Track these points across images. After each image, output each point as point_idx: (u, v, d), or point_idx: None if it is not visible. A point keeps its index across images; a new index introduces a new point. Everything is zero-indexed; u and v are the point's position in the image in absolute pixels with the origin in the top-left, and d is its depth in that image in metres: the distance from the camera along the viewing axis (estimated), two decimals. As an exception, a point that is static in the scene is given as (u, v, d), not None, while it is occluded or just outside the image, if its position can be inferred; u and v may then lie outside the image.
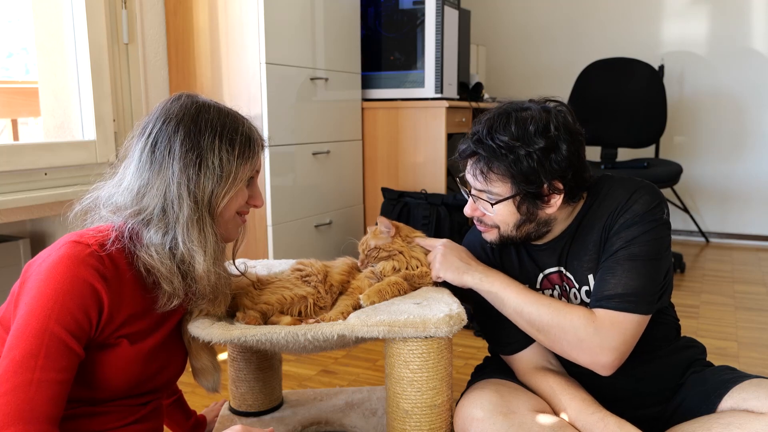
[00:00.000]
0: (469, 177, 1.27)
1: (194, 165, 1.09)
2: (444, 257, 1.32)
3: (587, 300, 1.28)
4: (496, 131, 1.20)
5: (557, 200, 1.23)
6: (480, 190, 1.25)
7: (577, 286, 1.30)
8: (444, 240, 1.36)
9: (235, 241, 1.27)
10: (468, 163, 1.27)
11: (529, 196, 1.21)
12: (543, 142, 1.18)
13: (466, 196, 1.32)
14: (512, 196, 1.22)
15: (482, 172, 1.22)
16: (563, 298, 1.32)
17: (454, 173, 3.16)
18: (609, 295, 1.18)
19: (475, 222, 1.33)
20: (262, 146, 1.19)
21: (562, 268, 1.32)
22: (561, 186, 1.21)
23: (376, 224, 1.44)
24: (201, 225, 1.09)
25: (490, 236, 1.31)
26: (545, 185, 1.20)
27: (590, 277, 1.28)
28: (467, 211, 1.30)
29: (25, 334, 0.95)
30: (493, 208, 1.24)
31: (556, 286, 1.33)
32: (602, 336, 1.16)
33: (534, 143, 1.18)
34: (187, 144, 1.09)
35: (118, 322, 1.06)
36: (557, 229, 1.31)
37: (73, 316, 0.98)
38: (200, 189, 1.09)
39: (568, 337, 1.18)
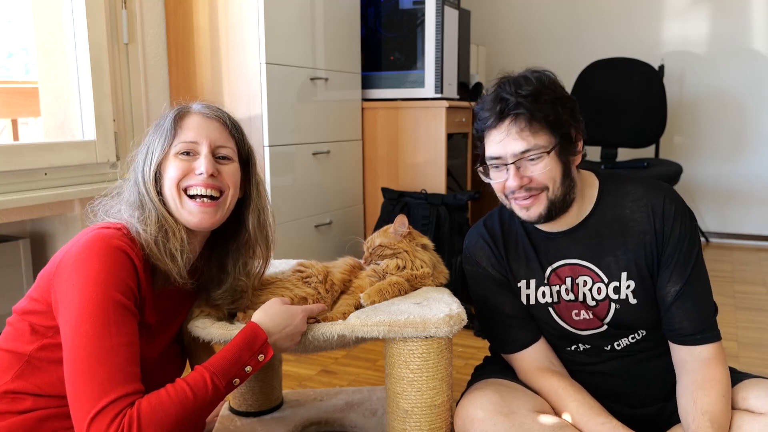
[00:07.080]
0: (508, 142, 1.21)
1: (138, 153, 1.20)
2: None
3: (614, 296, 1.28)
4: (522, 87, 1.21)
5: (580, 146, 1.27)
6: (524, 151, 1.20)
7: (605, 280, 1.29)
8: None
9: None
10: (501, 131, 1.22)
11: (564, 143, 1.23)
12: (562, 91, 1.25)
13: (493, 178, 1.27)
14: (555, 145, 1.21)
15: (527, 127, 1.20)
16: (570, 294, 1.31)
17: (454, 173, 3.16)
18: (707, 327, 1.24)
19: (516, 199, 1.25)
20: (180, 116, 1.18)
21: (585, 261, 1.30)
22: (580, 131, 1.27)
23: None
24: (143, 202, 1.15)
25: (539, 206, 1.23)
26: (572, 129, 1.24)
27: (624, 275, 1.28)
28: (514, 183, 1.21)
29: (89, 307, 1.00)
30: (543, 162, 1.21)
31: (567, 279, 1.31)
32: (725, 367, 1.25)
33: (557, 91, 1.24)
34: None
35: (139, 303, 1.09)
36: (572, 216, 1.30)
37: (125, 283, 1.04)
38: (136, 168, 1.18)
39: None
